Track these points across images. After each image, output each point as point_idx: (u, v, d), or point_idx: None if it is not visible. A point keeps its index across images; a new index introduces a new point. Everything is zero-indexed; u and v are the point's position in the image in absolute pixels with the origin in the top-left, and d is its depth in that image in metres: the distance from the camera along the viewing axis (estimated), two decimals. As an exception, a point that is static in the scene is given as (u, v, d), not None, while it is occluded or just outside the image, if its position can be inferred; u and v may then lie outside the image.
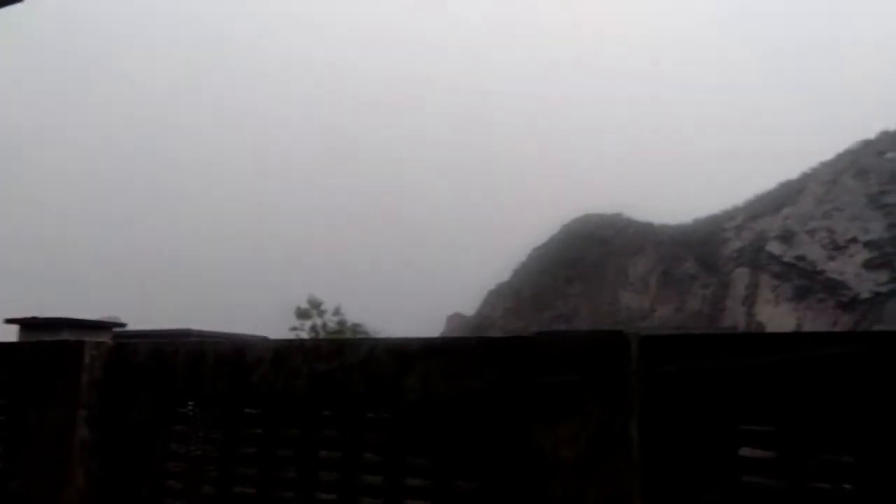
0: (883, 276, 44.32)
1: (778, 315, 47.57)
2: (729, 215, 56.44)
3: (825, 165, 52.57)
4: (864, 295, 44.43)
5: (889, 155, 49.35)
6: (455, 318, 63.80)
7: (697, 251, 55.31)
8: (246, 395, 2.28)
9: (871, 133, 52.00)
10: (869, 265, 45.20)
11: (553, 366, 1.84)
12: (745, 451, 1.81)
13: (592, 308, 56.40)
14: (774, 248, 50.29)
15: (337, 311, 16.71)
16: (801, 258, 48.45)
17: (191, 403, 2.25)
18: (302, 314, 16.56)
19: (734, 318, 50.38)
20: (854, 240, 46.58)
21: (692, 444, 1.73)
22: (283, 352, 2.24)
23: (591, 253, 59.53)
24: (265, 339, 2.43)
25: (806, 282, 47.58)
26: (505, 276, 65.92)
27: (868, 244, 45.86)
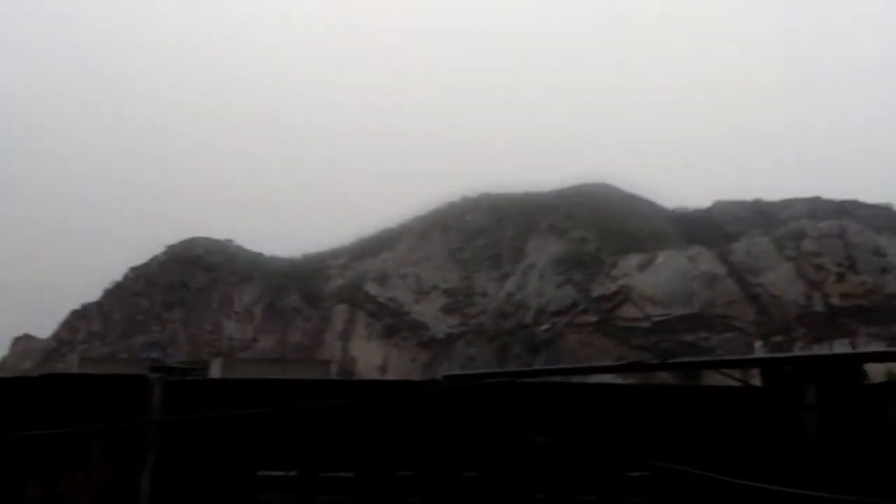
0: (455, 319, 51.63)
1: (369, 350, 51.81)
2: (335, 253, 59.99)
3: (418, 219, 59.68)
4: (440, 335, 51.10)
5: (467, 217, 58.25)
6: (23, 341, 54.87)
7: (303, 285, 57.41)
8: None
9: (456, 195, 60.79)
10: (445, 310, 52.27)
11: (60, 413, 1.63)
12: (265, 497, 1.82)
13: (192, 336, 54.09)
14: (371, 288, 54.92)
15: None
16: (393, 300, 53.80)
17: None
18: None
19: (332, 351, 53.24)
20: (435, 287, 53.52)
21: (209, 489, 1.68)
22: None
23: (196, 278, 57.32)
24: None
25: (394, 321, 52.84)
26: (94, 295, 59.38)
27: (445, 291, 53.13)
